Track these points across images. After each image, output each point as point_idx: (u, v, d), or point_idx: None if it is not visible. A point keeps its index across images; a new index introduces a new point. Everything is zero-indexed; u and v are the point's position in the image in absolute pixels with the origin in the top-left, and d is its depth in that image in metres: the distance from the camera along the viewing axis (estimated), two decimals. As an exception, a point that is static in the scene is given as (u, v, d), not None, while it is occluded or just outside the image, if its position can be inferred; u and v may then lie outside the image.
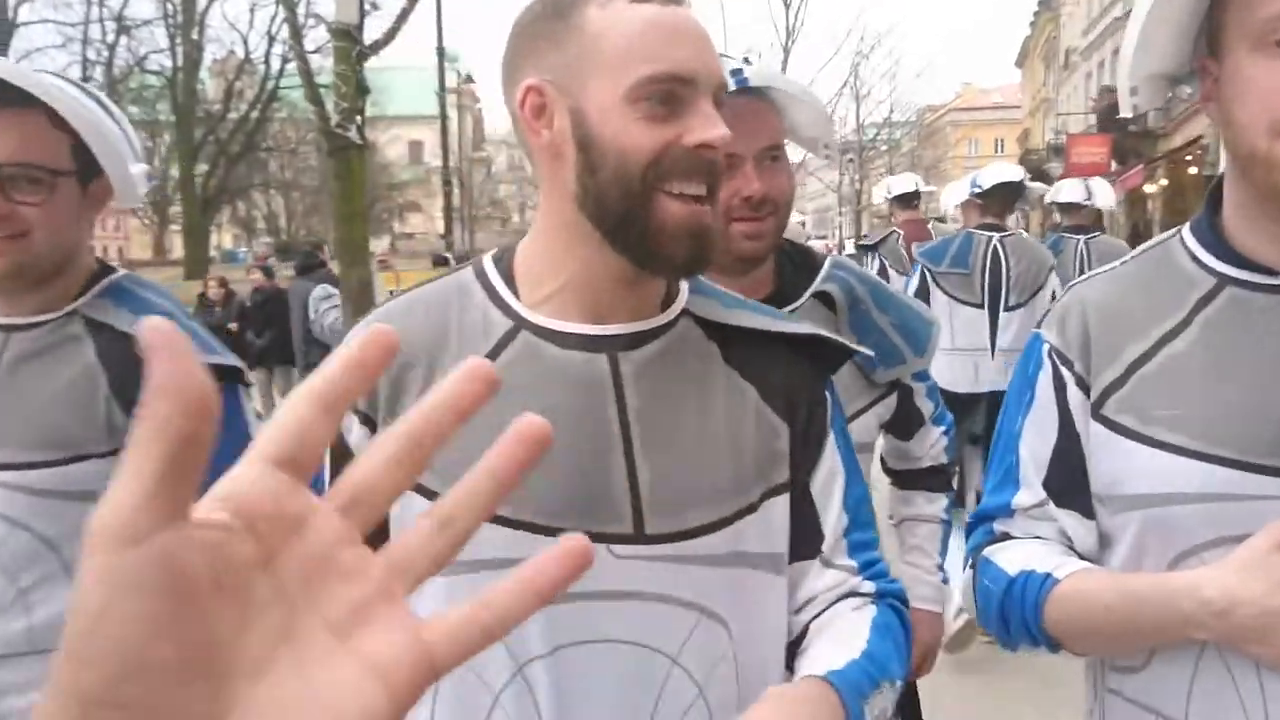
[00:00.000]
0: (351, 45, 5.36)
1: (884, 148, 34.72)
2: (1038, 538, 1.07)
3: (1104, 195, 5.67)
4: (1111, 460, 1.01)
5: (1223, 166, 1.04)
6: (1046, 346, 1.07)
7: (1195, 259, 1.03)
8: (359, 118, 5.49)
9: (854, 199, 32.12)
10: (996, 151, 60.69)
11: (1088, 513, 1.05)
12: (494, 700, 0.92)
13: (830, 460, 1.03)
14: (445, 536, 0.34)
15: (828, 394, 1.04)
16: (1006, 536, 1.08)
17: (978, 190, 4.41)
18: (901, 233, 5.83)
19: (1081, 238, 5.14)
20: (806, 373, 1.03)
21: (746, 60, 1.41)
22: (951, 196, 5.32)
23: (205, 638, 0.29)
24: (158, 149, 37.28)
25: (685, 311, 1.00)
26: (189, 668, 0.28)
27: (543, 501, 0.91)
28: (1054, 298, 4.11)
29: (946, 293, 4.14)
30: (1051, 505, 1.06)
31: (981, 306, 4.11)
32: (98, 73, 30.28)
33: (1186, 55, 1.01)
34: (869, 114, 30.84)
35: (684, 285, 1.02)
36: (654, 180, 0.88)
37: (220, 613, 0.29)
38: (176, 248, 35.95)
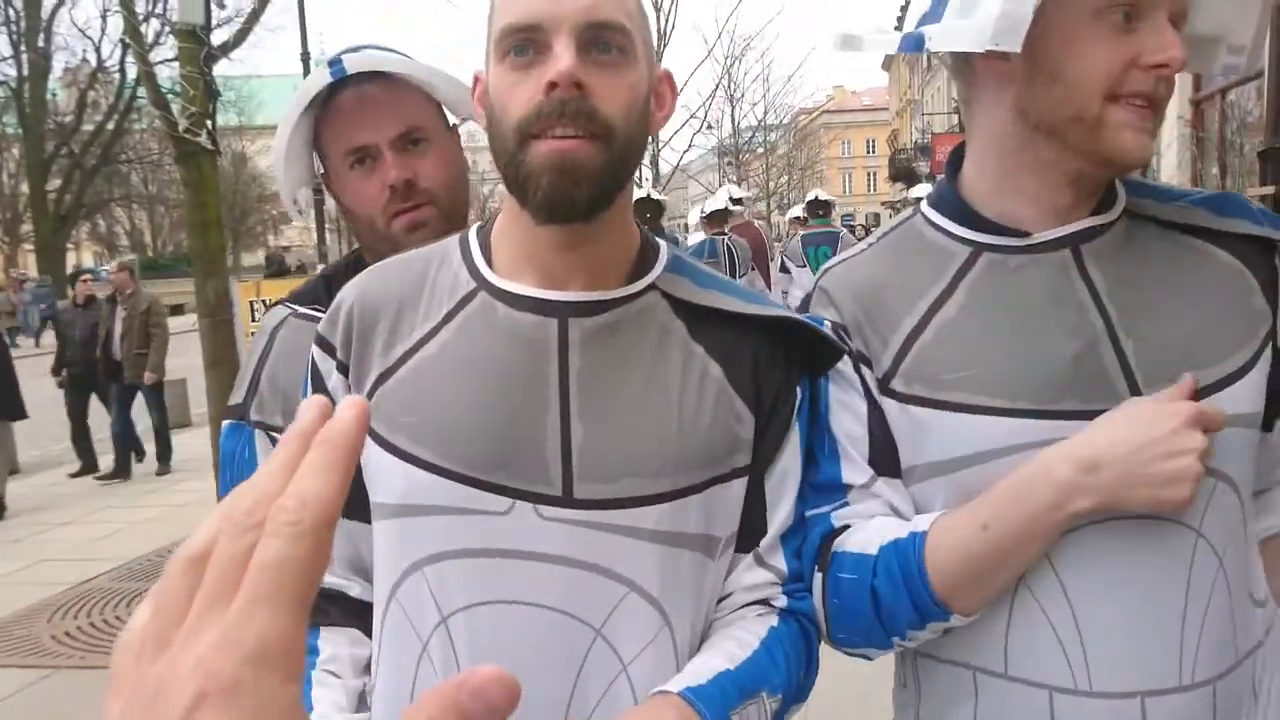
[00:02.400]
0: (198, 46, 5.11)
1: (760, 150, 35.38)
2: (874, 517, 1.04)
3: (923, 190, 7.26)
4: (909, 432, 1.01)
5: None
6: (828, 325, 1.05)
7: (945, 231, 1.06)
8: (209, 122, 5.23)
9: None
10: (868, 152, 62.72)
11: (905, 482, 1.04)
12: (423, 648, 0.95)
13: (790, 458, 1.01)
14: None
15: (800, 390, 1.02)
16: (845, 528, 1.03)
17: (704, 214, 7.59)
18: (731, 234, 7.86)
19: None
20: (779, 363, 1.01)
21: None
22: (693, 216, 8.71)
23: None
24: (5, 164, 35.17)
25: (654, 287, 1.00)
26: None
27: (476, 454, 0.92)
28: (753, 268, 7.13)
29: None
30: (880, 481, 1.03)
31: None
32: (-66, 83, 28.38)
33: None
34: (743, 116, 31.36)
35: (660, 261, 1.02)
36: (525, 130, 0.89)
37: None
38: (32, 267, 33.97)
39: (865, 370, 1.04)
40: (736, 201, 8.07)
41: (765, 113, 34.01)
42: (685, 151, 22.18)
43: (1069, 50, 0.94)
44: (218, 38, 5.37)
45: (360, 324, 1.00)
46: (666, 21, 19.08)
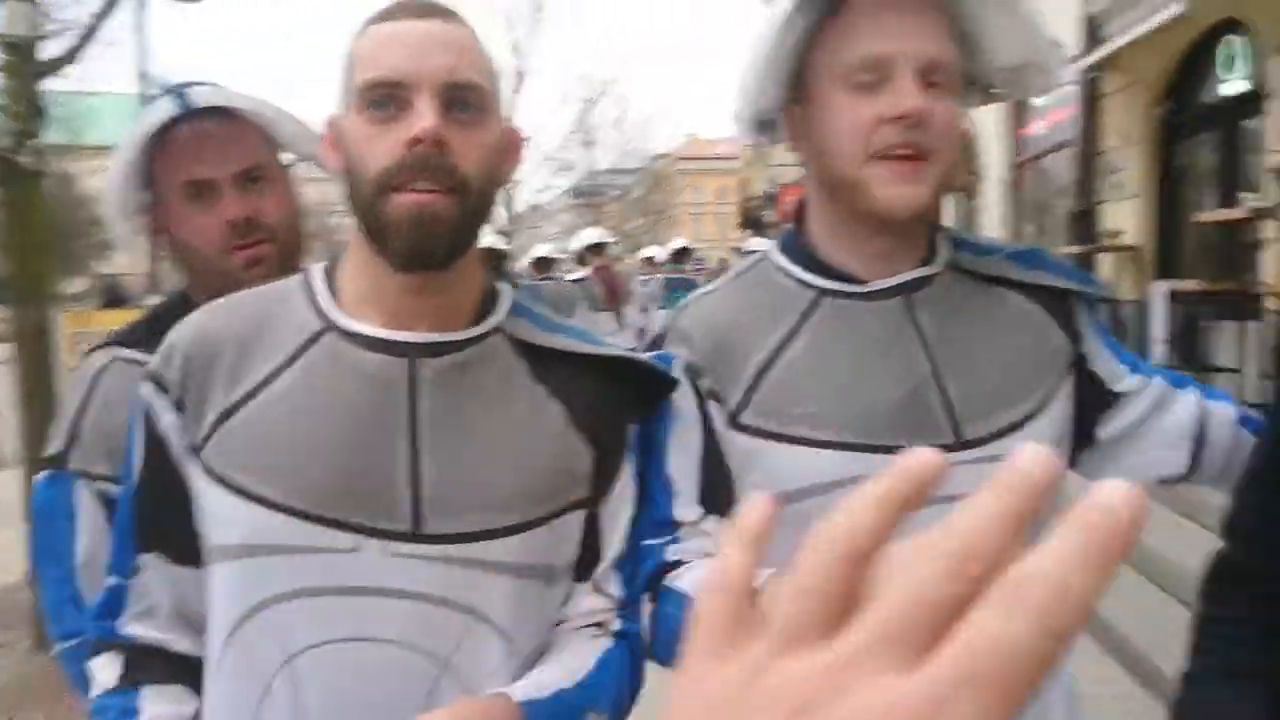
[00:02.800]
0: (24, 61, 4.83)
1: (616, 193, 35.93)
2: (707, 554, 1.08)
3: (760, 243, 8.60)
4: (756, 463, 1.07)
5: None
6: (680, 362, 1.10)
7: (791, 276, 1.14)
8: (35, 141, 4.92)
9: (588, 242, 32.72)
10: (719, 199, 64.53)
11: None
12: (265, 691, 0.95)
13: (623, 490, 1.06)
14: None
15: (635, 426, 1.08)
16: (678, 564, 1.07)
17: (532, 259, 8.49)
18: (592, 275, 8.15)
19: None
20: (613, 399, 1.06)
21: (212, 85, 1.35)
22: (522, 261, 8.98)
23: None
24: None
25: (499, 329, 1.03)
26: None
27: (324, 492, 0.94)
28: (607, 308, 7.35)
29: None
30: (709, 519, 1.08)
31: None
32: None
33: (775, 100, 1.11)
34: (597, 161, 31.79)
35: (503, 304, 1.06)
36: (385, 182, 0.92)
37: None
38: None
39: (714, 406, 1.09)
40: (593, 248, 8.53)
41: (621, 156, 34.63)
42: (541, 191, 22.32)
43: (824, 122, 1.06)
44: (48, 50, 5.06)
45: (200, 361, 0.99)
46: (522, 62, 19.24)
